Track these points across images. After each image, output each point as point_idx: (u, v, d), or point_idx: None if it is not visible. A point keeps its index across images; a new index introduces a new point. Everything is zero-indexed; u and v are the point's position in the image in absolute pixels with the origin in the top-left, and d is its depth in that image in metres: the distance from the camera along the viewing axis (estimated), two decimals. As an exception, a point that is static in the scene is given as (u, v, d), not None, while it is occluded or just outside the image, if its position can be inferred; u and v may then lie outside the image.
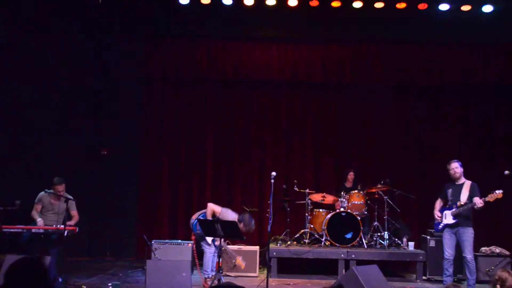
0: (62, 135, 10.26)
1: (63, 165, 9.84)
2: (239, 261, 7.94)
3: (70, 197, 7.94)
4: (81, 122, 10.51)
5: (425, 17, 10.24)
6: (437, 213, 7.96)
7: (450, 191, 7.87)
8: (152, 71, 10.99)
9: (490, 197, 7.43)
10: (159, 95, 11.24)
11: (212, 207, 7.81)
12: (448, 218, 7.79)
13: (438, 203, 8.04)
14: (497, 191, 7.39)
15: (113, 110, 10.77)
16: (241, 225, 7.50)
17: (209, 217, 7.68)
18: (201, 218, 7.61)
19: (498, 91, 10.97)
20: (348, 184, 10.17)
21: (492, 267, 8.80)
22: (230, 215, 7.84)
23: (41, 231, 7.65)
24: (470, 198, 7.60)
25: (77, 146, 10.42)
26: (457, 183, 7.84)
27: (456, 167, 7.82)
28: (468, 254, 7.62)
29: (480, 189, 7.64)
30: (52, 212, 8.07)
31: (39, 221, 7.85)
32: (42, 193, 8.05)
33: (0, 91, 9.82)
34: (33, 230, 7.64)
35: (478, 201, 7.46)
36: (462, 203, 7.65)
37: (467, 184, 7.76)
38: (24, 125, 10.14)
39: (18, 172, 9.73)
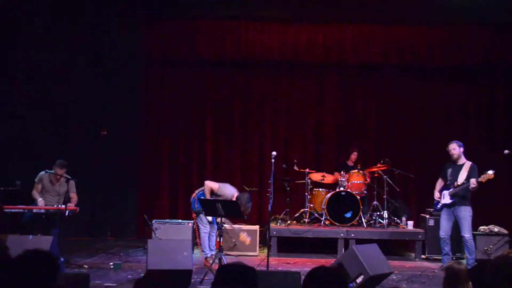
0: (62, 116, 10.24)
1: (64, 146, 9.86)
2: (243, 236, 7.91)
3: (70, 178, 7.93)
4: (81, 103, 10.46)
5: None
6: (436, 193, 8.03)
7: (449, 171, 7.91)
8: (151, 52, 10.93)
9: (483, 178, 7.50)
10: (158, 76, 11.22)
11: (209, 184, 7.85)
12: (446, 198, 7.85)
13: (439, 183, 8.09)
14: (489, 172, 7.45)
15: (113, 91, 10.71)
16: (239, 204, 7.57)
17: (208, 195, 7.74)
18: (202, 197, 7.64)
19: (498, 72, 10.92)
20: (350, 163, 10.19)
21: (491, 246, 8.86)
22: (228, 189, 7.90)
23: (43, 211, 7.66)
24: (468, 179, 7.66)
25: (77, 126, 10.41)
26: (457, 164, 7.87)
27: (453, 148, 7.83)
28: (466, 233, 7.68)
29: (480, 170, 7.66)
30: (52, 193, 8.08)
31: (40, 201, 7.87)
32: (42, 172, 8.05)
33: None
34: (35, 210, 7.65)
35: (471, 182, 7.51)
36: (459, 183, 7.70)
37: (466, 165, 7.79)
38: (24, 106, 10.11)
39: (18, 152, 9.72)
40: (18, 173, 8.67)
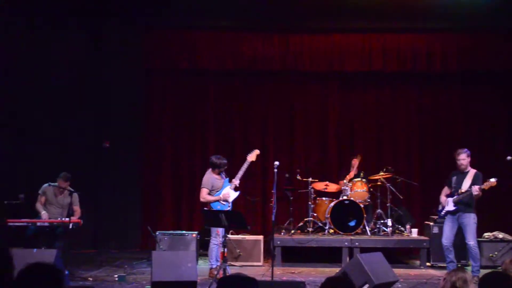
0: (64, 128, 10.25)
1: (66, 158, 9.85)
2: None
3: (74, 191, 7.94)
4: (82, 115, 10.48)
5: (423, 3, 10.15)
6: (442, 197, 8.02)
7: (454, 178, 7.91)
8: (152, 63, 10.96)
9: (485, 185, 7.51)
10: (159, 87, 11.25)
11: (202, 195, 7.87)
12: (449, 205, 7.84)
13: (445, 190, 8.09)
14: (491, 179, 7.47)
15: (114, 102, 10.75)
16: (216, 170, 7.92)
17: (211, 199, 7.78)
18: (205, 209, 7.66)
19: (499, 77, 10.93)
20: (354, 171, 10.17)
21: (496, 253, 8.84)
22: (207, 177, 7.96)
23: (46, 224, 7.67)
24: (472, 186, 7.64)
25: (79, 139, 10.41)
26: (462, 172, 7.87)
27: (463, 159, 7.82)
28: (471, 240, 7.66)
29: (483, 177, 7.66)
30: (56, 205, 8.09)
31: (44, 214, 7.88)
32: (45, 185, 8.07)
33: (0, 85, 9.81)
34: (38, 224, 7.66)
35: (474, 189, 7.51)
36: (462, 190, 7.69)
37: (471, 173, 7.79)
38: (25, 119, 10.13)
39: (21, 166, 9.73)
40: (21, 186, 8.70)
